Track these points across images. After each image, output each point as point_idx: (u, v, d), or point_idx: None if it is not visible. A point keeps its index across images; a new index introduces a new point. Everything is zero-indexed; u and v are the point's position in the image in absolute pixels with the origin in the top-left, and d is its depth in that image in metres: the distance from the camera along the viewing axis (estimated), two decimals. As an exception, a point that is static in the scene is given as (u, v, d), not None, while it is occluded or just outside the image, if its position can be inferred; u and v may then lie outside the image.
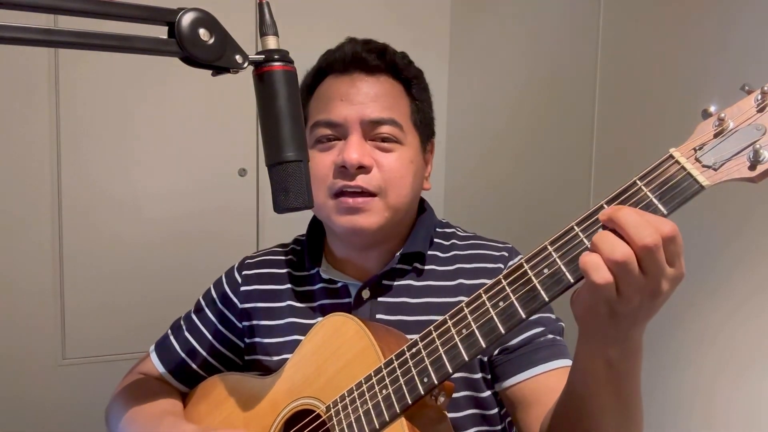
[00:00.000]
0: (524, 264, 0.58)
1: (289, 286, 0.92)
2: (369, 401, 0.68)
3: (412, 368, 0.65)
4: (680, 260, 0.53)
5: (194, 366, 0.94)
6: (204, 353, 0.94)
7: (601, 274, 0.51)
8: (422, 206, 0.95)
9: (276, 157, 0.67)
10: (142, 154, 1.85)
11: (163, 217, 1.88)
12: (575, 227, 0.56)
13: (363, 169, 0.81)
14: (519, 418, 0.79)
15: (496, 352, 0.82)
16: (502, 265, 0.86)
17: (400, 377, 0.66)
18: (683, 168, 0.53)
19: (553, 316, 0.84)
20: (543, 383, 0.78)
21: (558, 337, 0.82)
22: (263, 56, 0.66)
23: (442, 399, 0.66)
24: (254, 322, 0.92)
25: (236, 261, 1.00)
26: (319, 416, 0.74)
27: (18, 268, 1.75)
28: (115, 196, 1.82)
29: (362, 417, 0.68)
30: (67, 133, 1.77)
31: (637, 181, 0.55)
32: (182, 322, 0.97)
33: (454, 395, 0.79)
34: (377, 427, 0.67)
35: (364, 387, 0.69)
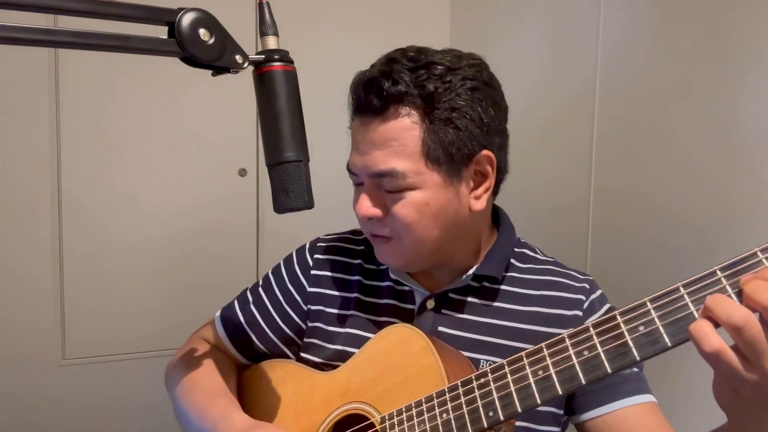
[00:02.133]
0: (618, 317, 0.55)
1: (358, 277, 0.91)
2: (427, 422, 0.66)
3: (478, 399, 0.63)
4: None
5: (255, 339, 0.94)
6: (266, 328, 0.94)
7: (712, 343, 0.48)
8: (501, 220, 0.92)
9: (276, 157, 0.67)
10: (142, 154, 1.85)
11: (164, 217, 1.88)
12: (681, 288, 0.53)
13: (372, 219, 0.80)
14: None
15: None
16: (583, 297, 0.82)
17: (464, 405, 0.64)
18: None
19: None
20: (630, 417, 0.74)
21: (642, 372, 0.79)
22: (263, 56, 0.66)
23: None
24: (319, 308, 0.91)
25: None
26: (372, 425, 0.74)
27: (18, 268, 1.75)
28: (115, 196, 1.82)
29: None
30: (67, 133, 1.77)
31: (759, 253, 0.50)
32: (249, 295, 0.97)
33: None
34: None
35: (424, 407, 0.68)
